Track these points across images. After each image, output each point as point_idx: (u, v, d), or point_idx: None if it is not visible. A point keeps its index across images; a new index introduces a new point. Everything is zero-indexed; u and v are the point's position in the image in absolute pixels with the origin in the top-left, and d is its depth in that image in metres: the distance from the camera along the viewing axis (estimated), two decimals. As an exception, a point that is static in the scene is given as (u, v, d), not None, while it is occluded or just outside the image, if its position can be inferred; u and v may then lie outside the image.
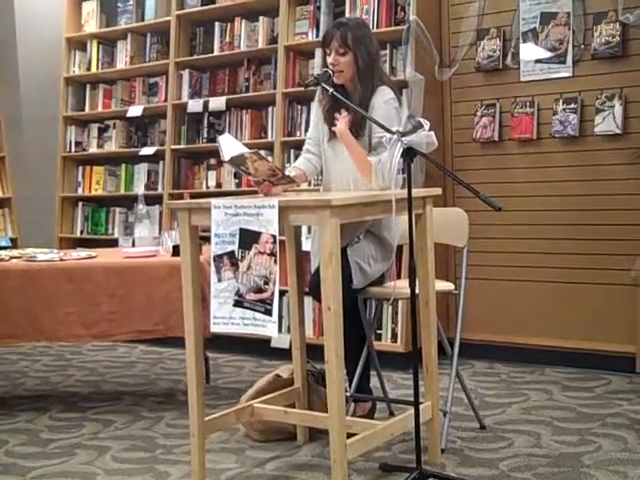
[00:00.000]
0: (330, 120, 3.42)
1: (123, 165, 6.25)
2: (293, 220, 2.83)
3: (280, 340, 4.77)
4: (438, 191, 3.24)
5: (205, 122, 5.78)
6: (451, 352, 3.49)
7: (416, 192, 2.95)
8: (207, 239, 3.03)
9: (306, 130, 4.90)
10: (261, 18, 5.51)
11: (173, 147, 5.85)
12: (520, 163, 4.75)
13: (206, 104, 5.65)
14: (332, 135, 3.43)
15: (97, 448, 3.53)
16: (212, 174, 5.76)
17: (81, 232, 6.44)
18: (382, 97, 3.31)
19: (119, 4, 6.26)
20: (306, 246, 3.79)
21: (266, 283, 2.75)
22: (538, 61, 4.65)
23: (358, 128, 3.33)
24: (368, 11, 4.96)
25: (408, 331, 4.57)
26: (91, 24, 6.41)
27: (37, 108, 6.50)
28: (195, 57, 5.84)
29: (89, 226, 6.41)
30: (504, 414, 3.79)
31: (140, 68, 6.14)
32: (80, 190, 6.48)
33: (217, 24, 5.70)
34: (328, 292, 2.67)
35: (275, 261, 2.73)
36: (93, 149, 6.43)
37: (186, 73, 5.85)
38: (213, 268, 2.87)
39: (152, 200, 5.78)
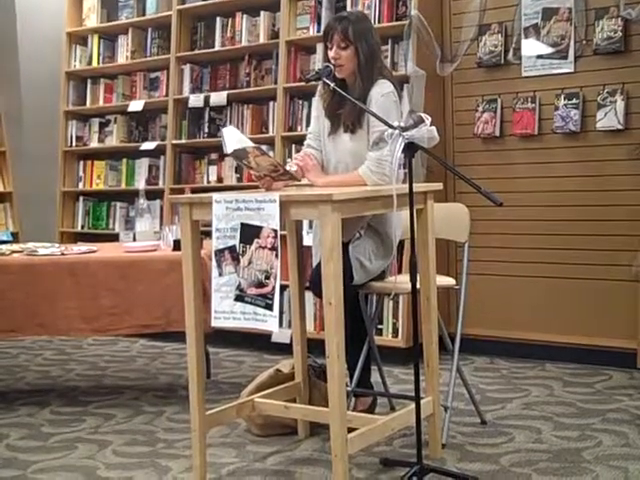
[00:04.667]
0: (331, 114, 3.42)
1: (124, 160, 6.25)
2: (294, 215, 2.83)
3: (281, 335, 4.77)
4: (439, 186, 3.24)
5: (206, 117, 5.78)
6: (452, 347, 3.49)
7: (417, 187, 2.95)
8: (208, 233, 3.03)
9: (307, 125, 4.90)
10: (262, 13, 5.51)
11: (174, 142, 5.85)
12: (521, 159, 4.74)
13: (207, 99, 5.65)
14: (333, 129, 3.43)
15: (98, 442, 3.53)
16: (213, 169, 5.76)
17: (82, 227, 6.44)
18: (381, 90, 3.30)
19: (120, -1, 6.26)
20: (307, 241, 3.79)
21: (267, 278, 2.75)
22: (540, 57, 4.65)
23: (355, 121, 3.33)
24: (370, 6, 4.96)
25: (409, 326, 4.57)
26: (92, 19, 6.40)
27: (38, 102, 6.50)
28: (196, 52, 5.84)
29: (90, 221, 6.41)
30: (505, 409, 3.79)
31: (141, 63, 6.14)
32: (81, 185, 6.48)
33: (218, 19, 5.70)
34: (329, 287, 2.67)
35: (276, 256, 2.73)
36: (94, 144, 6.43)
37: (187, 68, 5.85)
38: (214, 262, 2.87)
39: (153, 195, 5.78)
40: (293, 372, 3.52)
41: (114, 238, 5.68)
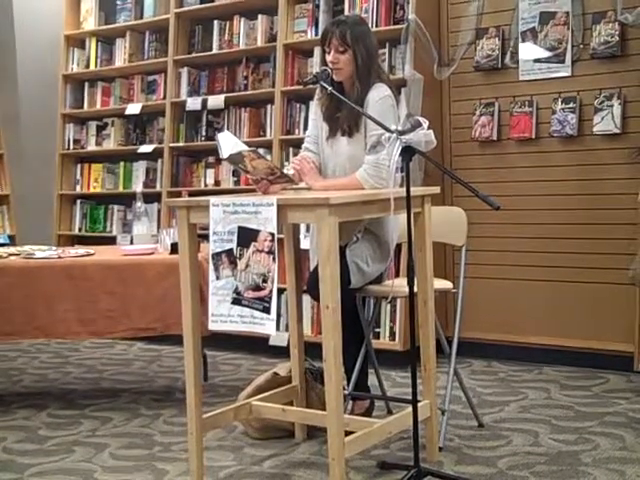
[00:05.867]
0: (329, 118, 3.43)
1: (121, 163, 6.25)
2: (291, 218, 2.83)
3: (278, 338, 4.77)
4: (437, 190, 3.24)
5: (204, 120, 5.78)
6: (449, 350, 3.49)
7: (415, 191, 2.95)
8: (205, 237, 3.03)
9: (305, 128, 4.90)
10: (260, 16, 5.51)
11: (172, 145, 5.85)
12: (519, 162, 4.75)
13: (205, 102, 5.65)
14: (331, 133, 3.44)
15: (95, 445, 3.53)
16: (210, 172, 5.76)
17: (79, 230, 6.44)
18: (378, 94, 3.31)
19: (118, 2, 6.25)
20: (304, 244, 3.79)
21: (264, 281, 2.75)
22: (537, 60, 4.65)
23: (353, 125, 3.34)
24: (367, 10, 4.96)
25: (406, 329, 4.54)
26: (90, 22, 6.40)
27: (35, 105, 6.49)
28: (194, 55, 5.84)
29: (87, 224, 6.41)
30: (502, 412, 3.80)
31: (139, 66, 6.14)
32: (78, 188, 6.48)
33: (216, 22, 5.70)
34: (326, 290, 2.67)
35: (273, 259, 2.73)
36: (91, 147, 6.43)
37: (185, 71, 5.85)
38: (211, 266, 2.87)
39: (150, 198, 5.78)
40: (290, 375, 3.52)
41: (111, 241, 5.68)
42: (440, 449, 3.24)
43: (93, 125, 6.43)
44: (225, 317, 2.85)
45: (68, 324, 3.96)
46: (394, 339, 4.76)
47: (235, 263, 2.81)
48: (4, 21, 6.41)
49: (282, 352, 4.53)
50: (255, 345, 5.04)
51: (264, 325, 2.76)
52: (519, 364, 4.69)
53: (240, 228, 2.80)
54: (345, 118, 3.35)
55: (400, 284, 3.22)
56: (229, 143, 3.08)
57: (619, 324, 4.42)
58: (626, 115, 4.40)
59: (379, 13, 4.94)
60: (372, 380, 3.75)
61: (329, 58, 3.32)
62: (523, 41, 4.68)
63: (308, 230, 4.24)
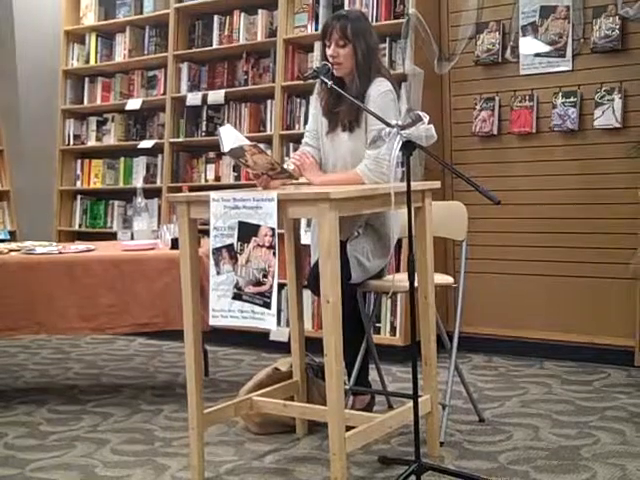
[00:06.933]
0: (329, 113, 3.42)
1: (122, 158, 6.25)
2: (292, 213, 2.83)
3: (279, 333, 4.77)
4: (437, 185, 3.24)
5: (204, 115, 5.78)
6: (450, 345, 3.49)
7: (415, 185, 2.94)
8: (206, 232, 3.02)
9: (305, 123, 4.89)
10: (260, 11, 5.51)
11: (172, 140, 5.84)
12: (519, 157, 4.75)
13: (205, 97, 5.65)
14: (331, 128, 3.43)
15: (96, 441, 3.53)
16: (211, 167, 5.76)
17: (80, 225, 6.44)
18: (378, 88, 3.31)
19: (117, -3, 6.26)
20: (305, 239, 3.79)
21: (265, 276, 2.75)
22: (537, 55, 4.65)
23: (353, 120, 3.33)
24: (368, 4, 4.96)
25: (407, 324, 4.57)
26: (90, 17, 6.41)
27: (35, 101, 6.49)
28: (194, 50, 5.83)
29: (88, 219, 6.41)
30: (503, 407, 3.80)
31: (139, 61, 6.14)
32: (79, 183, 6.49)
33: (216, 17, 5.70)
34: (327, 285, 2.67)
35: (274, 254, 2.73)
36: (92, 142, 6.43)
37: (185, 66, 5.85)
38: (212, 261, 2.87)
39: (151, 193, 5.78)
40: (291, 370, 3.52)
41: (112, 237, 5.68)
42: (441, 444, 3.24)
43: (93, 120, 6.43)
44: (226, 312, 2.85)
45: (69, 320, 3.96)
46: (395, 334, 4.76)
47: (236, 258, 2.81)
48: (4, 17, 6.41)
49: (283, 347, 4.53)
50: (256, 340, 5.04)
51: (264, 320, 2.76)
52: (520, 359, 4.69)
53: (240, 223, 2.80)
54: (345, 113, 3.35)
55: (401, 279, 3.22)
56: (230, 137, 3.07)
57: (620, 319, 4.42)
58: (627, 109, 4.40)
59: (379, 8, 4.94)
60: (373, 375, 3.75)
61: (329, 52, 3.32)
62: (524, 35, 4.67)
63: (309, 225, 4.24)
